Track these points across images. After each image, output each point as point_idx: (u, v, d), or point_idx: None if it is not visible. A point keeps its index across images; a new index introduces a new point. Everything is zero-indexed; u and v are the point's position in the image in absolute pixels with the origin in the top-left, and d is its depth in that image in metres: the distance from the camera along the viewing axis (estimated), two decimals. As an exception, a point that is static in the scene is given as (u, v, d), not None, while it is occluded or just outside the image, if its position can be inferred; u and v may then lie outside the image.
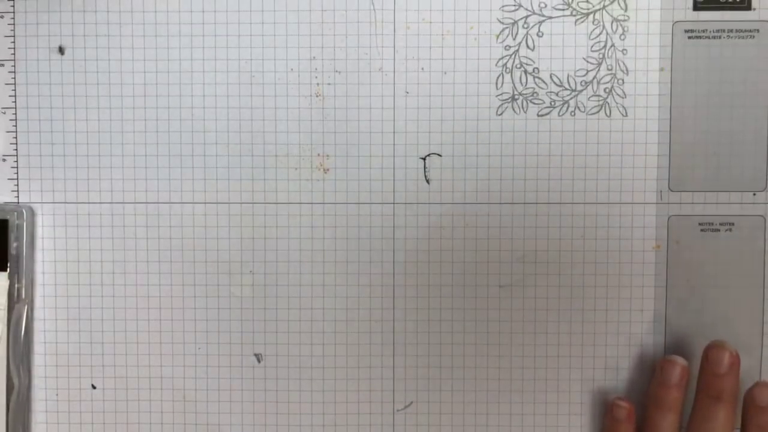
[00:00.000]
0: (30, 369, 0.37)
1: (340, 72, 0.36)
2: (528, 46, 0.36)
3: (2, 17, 0.37)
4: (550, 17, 0.36)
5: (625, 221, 0.37)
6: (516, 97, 0.36)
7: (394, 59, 0.36)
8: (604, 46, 0.36)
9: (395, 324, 0.37)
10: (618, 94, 0.36)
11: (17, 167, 0.37)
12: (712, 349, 0.34)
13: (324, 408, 0.37)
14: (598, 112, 0.36)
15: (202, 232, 0.37)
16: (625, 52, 0.36)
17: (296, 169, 0.37)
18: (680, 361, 0.34)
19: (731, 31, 0.36)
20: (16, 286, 0.36)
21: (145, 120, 0.37)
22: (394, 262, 0.37)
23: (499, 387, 0.37)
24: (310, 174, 0.37)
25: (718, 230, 0.37)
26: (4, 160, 0.37)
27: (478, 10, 0.36)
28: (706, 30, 0.36)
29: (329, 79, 0.36)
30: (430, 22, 0.36)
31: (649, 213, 0.37)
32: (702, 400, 0.34)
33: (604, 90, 0.36)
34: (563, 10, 0.36)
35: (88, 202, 0.37)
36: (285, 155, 0.37)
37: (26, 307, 0.37)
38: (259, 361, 0.38)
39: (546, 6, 0.36)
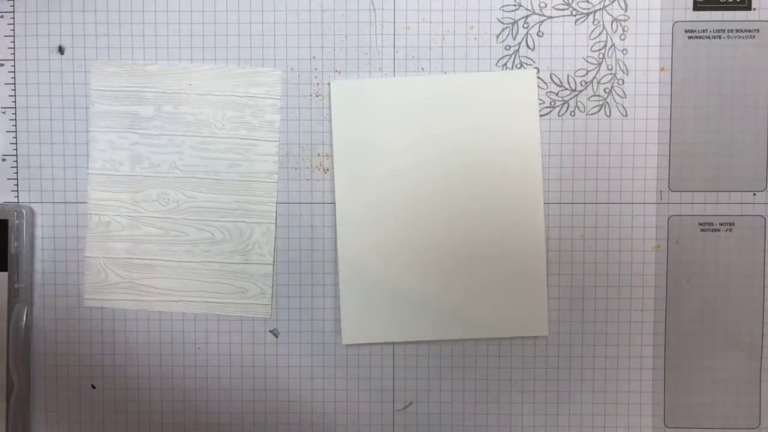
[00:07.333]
0: (30, 369, 0.37)
1: (340, 72, 0.36)
2: (528, 46, 0.36)
3: (2, 17, 0.37)
4: (550, 17, 0.36)
5: (625, 221, 0.37)
6: (516, 97, 0.36)
7: (394, 59, 0.36)
8: (604, 46, 0.36)
9: (395, 324, 0.37)
10: (618, 94, 0.36)
11: (17, 167, 0.37)
12: None
13: (324, 407, 0.37)
14: (598, 112, 0.36)
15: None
16: (625, 52, 0.36)
17: (296, 169, 0.37)
18: None
19: (731, 31, 0.36)
20: (15, 286, 0.36)
21: (145, 120, 0.37)
22: (394, 262, 0.37)
23: (499, 387, 0.37)
24: (310, 174, 0.37)
25: (718, 230, 0.37)
26: (4, 160, 0.37)
27: (478, 10, 0.36)
28: (706, 30, 0.36)
29: (329, 79, 0.36)
30: (430, 22, 0.36)
31: (649, 213, 0.37)
32: None
33: (604, 90, 0.36)
34: (563, 9, 0.36)
35: (88, 202, 0.37)
36: (285, 155, 0.37)
37: (26, 307, 0.37)
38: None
39: (546, 6, 0.36)
